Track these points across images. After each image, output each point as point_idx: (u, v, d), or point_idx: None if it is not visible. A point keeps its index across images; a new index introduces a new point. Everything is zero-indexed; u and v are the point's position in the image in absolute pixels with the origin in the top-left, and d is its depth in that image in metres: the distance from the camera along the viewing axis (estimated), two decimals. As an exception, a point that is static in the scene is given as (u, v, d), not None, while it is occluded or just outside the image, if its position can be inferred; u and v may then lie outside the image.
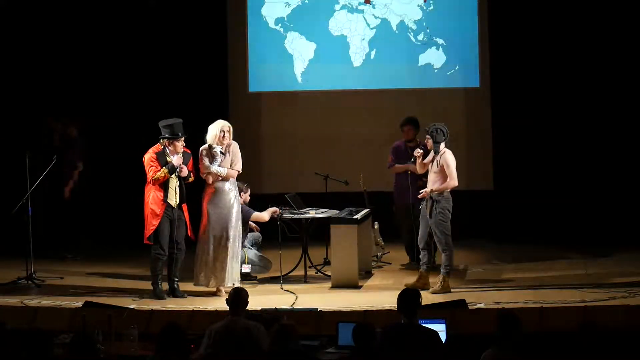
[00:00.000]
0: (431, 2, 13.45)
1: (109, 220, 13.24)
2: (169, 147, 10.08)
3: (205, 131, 10.23)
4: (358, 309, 9.20)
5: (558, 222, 12.87)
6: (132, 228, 11.06)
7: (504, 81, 13.16)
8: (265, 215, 10.98)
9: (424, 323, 7.31)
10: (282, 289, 10.44)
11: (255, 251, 10.99)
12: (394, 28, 13.53)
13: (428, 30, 13.47)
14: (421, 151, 10.37)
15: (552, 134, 13.04)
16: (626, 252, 11.91)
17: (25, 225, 11.01)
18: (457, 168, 10.23)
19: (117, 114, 13.31)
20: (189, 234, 10.25)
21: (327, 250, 11.32)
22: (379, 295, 9.96)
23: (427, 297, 9.19)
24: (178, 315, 9.06)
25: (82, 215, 12.73)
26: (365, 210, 11.24)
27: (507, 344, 6.50)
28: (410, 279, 10.49)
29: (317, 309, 9.09)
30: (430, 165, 10.25)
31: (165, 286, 10.15)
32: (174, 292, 10.13)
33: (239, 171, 10.27)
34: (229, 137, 10.20)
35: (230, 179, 10.23)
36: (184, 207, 10.17)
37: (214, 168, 10.14)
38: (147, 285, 10.24)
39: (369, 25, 13.56)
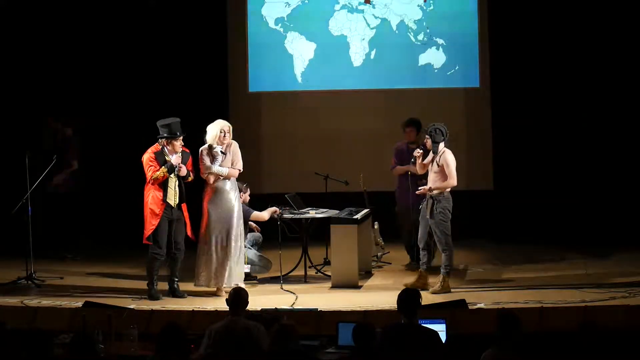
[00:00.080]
0: (431, 2, 13.45)
1: (108, 220, 13.24)
2: (168, 147, 10.07)
3: (205, 131, 10.23)
4: (358, 309, 9.20)
5: (558, 222, 12.87)
6: (132, 228, 11.06)
7: (504, 81, 13.16)
8: (265, 215, 10.98)
9: (424, 323, 7.31)
10: (282, 289, 10.44)
11: (255, 251, 10.99)
12: (394, 28, 13.53)
13: (428, 30, 13.47)
14: (421, 151, 10.37)
15: (552, 134, 13.04)
16: (626, 252, 11.91)
17: (25, 225, 11.01)
18: (457, 168, 10.23)
19: (117, 114, 13.31)
20: (189, 234, 10.25)
21: (327, 250, 11.32)
22: (379, 295, 9.96)
23: (427, 297, 9.20)
24: (178, 315, 9.06)
25: (82, 215, 12.74)
26: (365, 210, 11.25)
27: (507, 344, 6.50)
28: (410, 278, 10.50)
29: (317, 309, 9.09)
30: (430, 166, 10.26)
31: (161, 287, 10.15)
32: (174, 292, 10.13)
33: (240, 170, 10.28)
34: (229, 137, 10.20)
35: (231, 178, 10.23)
36: (184, 206, 10.16)
37: (215, 168, 10.14)
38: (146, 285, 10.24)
39: (369, 25, 13.56)
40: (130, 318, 8.56)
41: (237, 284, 9.95)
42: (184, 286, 10.29)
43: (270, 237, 11.26)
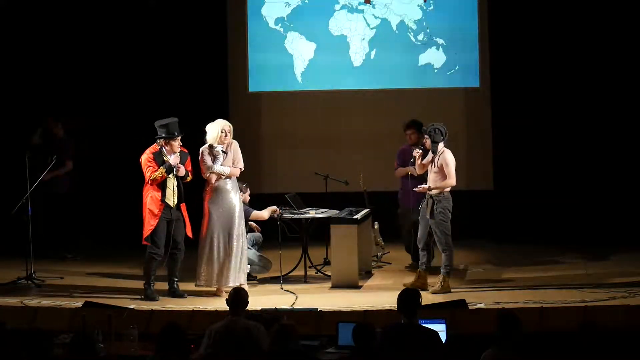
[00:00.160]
0: (431, 2, 13.45)
1: (108, 220, 13.24)
2: (166, 147, 10.07)
3: (205, 131, 10.22)
4: (358, 309, 9.20)
5: (558, 222, 12.86)
6: (131, 228, 11.06)
7: (504, 81, 13.16)
8: (264, 214, 10.98)
9: (424, 323, 7.32)
10: (282, 289, 10.44)
11: (255, 251, 10.99)
12: (394, 28, 13.52)
13: (428, 30, 13.46)
14: (420, 151, 10.38)
15: (552, 134, 13.04)
16: (626, 252, 11.90)
17: (25, 225, 11.01)
18: (457, 168, 10.24)
19: (117, 114, 13.31)
20: (188, 234, 10.25)
21: (327, 250, 11.31)
22: (379, 295, 9.96)
23: (427, 297, 9.20)
24: (178, 315, 9.06)
25: (81, 216, 12.73)
26: (365, 210, 11.25)
27: (507, 344, 6.50)
28: (410, 278, 10.50)
29: (317, 309, 9.09)
30: (429, 166, 10.26)
31: (161, 287, 10.14)
32: (174, 292, 10.13)
33: (241, 169, 10.29)
34: (229, 136, 10.21)
35: (232, 178, 10.23)
36: (183, 206, 10.16)
37: (217, 167, 10.14)
38: (147, 285, 10.26)
39: (369, 25, 13.56)
40: (130, 318, 8.57)
41: (240, 284, 9.99)
42: (184, 286, 10.29)
43: (270, 237, 11.25)
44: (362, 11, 13.56)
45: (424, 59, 13.49)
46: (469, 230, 12.62)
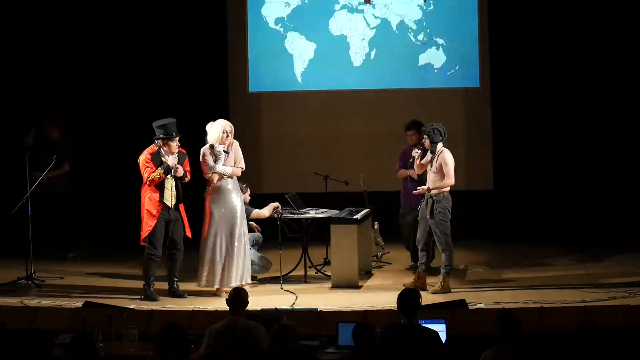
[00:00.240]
0: (431, 2, 13.45)
1: (108, 220, 13.23)
2: (164, 148, 10.07)
3: (205, 131, 10.22)
4: (358, 309, 9.21)
5: (558, 222, 12.86)
6: (132, 228, 11.05)
7: (504, 81, 13.16)
8: (265, 212, 10.99)
9: (424, 323, 7.32)
10: (282, 289, 10.44)
11: (255, 251, 10.98)
12: (394, 28, 13.52)
13: (428, 30, 13.46)
14: (419, 151, 10.38)
15: (552, 134, 13.03)
16: (626, 252, 11.90)
17: (25, 225, 11.01)
18: (456, 168, 10.24)
19: (118, 115, 13.30)
20: (187, 234, 10.25)
21: (327, 250, 11.32)
22: (379, 295, 9.96)
23: (427, 297, 9.20)
24: (178, 315, 9.06)
25: (81, 216, 12.73)
26: (365, 210, 11.25)
27: (507, 344, 6.50)
28: (410, 279, 10.50)
29: (317, 309, 9.09)
30: (429, 166, 10.26)
31: (161, 287, 10.14)
32: (174, 292, 10.13)
33: (242, 168, 10.30)
34: (231, 136, 10.21)
35: (233, 177, 10.23)
36: (181, 207, 10.16)
37: (219, 167, 10.14)
38: (147, 285, 10.26)
39: (369, 25, 13.56)
40: (130, 318, 8.57)
41: (245, 283, 10.00)
42: (184, 286, 10.30)
43: (270, 237, 11.26)
44: (362, 11, 13.56)
45: (424, 59, 13.49)
46: (469, 230, 12.62)
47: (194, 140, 10.49)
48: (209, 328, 7.50)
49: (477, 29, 13.34)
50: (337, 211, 11.02)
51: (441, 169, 10.12)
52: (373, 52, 13.56)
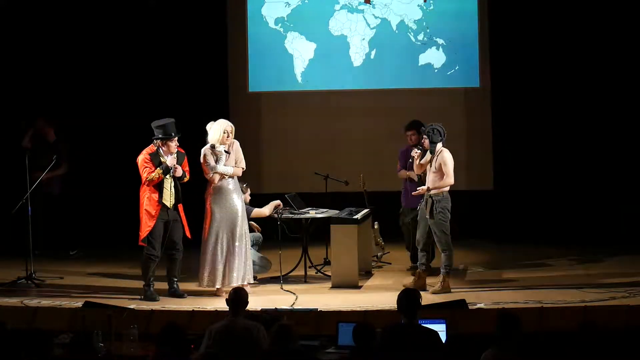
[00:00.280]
0: (431, 2, 13.45)
1: (108, 220, 13.22)
2: (163, 148, 10.06)
3: (206, 131, 10.21)
4: (358, 309, 9.20)
5: (558, 222, 12.86)
6: (132, 228, 11.04)
7: (504, 81, 13.15)
8: (265, 211, 10.99)
9: (424, 323, 7.32)
10: (282, 289, 10.44)
11: (255, 251, 10.98)
12: (394, 28, 13.52)
13: (428, 30, 13.46)
14: (419, 152, 10.38)
15: (553, 134, 13.03)
16: (626, 252, 11.90)
17: (25, 225, 11.01)
18: (456, 168, 10.24)
19: (118, 115, 13.29)
20: (187, 234, 10.24)
21: (327, 250, 11.32)
22: (379, 295, 9.96)
23: (427, 297, 9.19)
24: (178, 315, 9.06)
25: (76, 217, 12.74)
26: (365, 210, 11.24)
27: (507, 344, 6.50)
28: (410, 279, 10.50)
29: (317, 309, 9.09)
30: (428, 166, 10.26)
31: (161, 287, 10.14)
32: (174, 292, 10.12)
33: (243, 168, 10.30)
34: (232, 136, 10.21)
35: (234, 177, 10.23)
36: (180, 207, 10.15)
37: (221, 168, 10.13)
38: (147, 285, 10.25)
39: (369, 25, 13.56)
40: (130, 318, 8.56)
41: (245, 283, 10.00)
42: (184, 286, 10.30)
43: (270, 237, 11.25)
44: (362, 11, 13.56)
45: (424, 59, 13.49)
46: (469, 230, 12.63)
47: (194, 140, 10.48)
48: (209, 328, 7.50)
49: (477, 29, 13.35)
50: (337, 211, 11.01)
51: (441, 168, 10.12)
52: (373, 52, 13.56)
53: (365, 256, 11.18)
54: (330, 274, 10.72)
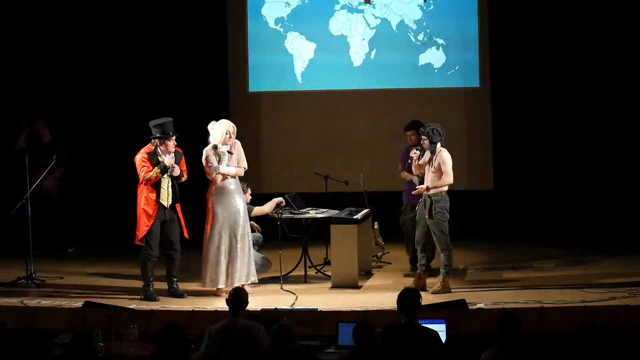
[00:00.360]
0: (431, 2, 13.45)
1: (108, 220, 13.22)
2: (161, 147, 10.06)
3: (207, 131, 10.21)
4: (358, 309, 9.21)
5: (558, 222, 12.86)
6: (131, 228, 11.04)
7: (504, 81, 13.15)
8: (266, 208, 11.00)
9: (424, 323, 7.31)
10: (282, 289, 10.44)
11: (256, 251, 10.98)
12: (394, 28, 13.52)
13: (428, 30, 13.46)
14: (417, 152, 10.38)
15: (553, 134, 13.03)
16: (626, 252, 11.90)
17: (25, 225, 11.01)
18: (456, 168, 10.26)
19: (118, 115, 13.28)
20: (184, 234, 10.24)
21: (327, 250, 11.32)
22: (379, 295, 9.97)
23: (427, 297, 9.19)
24: (178, 315, 9.06)
25: (74, 217, 12.74)
26: (365, 210, 11.24)
27: (507, 344, 6.50)
28: (409, 279, 10.50)
29: (317, 309, 9.09)
30: (427, 166, 10.26)
31: (161, 287, 10.14)
32: (173, 292, 10.12)
33: (245, 168, 10.30)
34: (233, 137, 10.21)
35: (235, 177, 10.23)
36: (178, 207, 10.15)
37: (223, 169, 10.13)
38: (147, 285, 10.25)
39: (369, 25, 13.56)
40: (130, 318, 8.56)
41: (249, 283, 10.00)
42: (184, 286, 10.30)
43: (270, 237, 11.26)
44: (362, 11, 13.56)
45: (424, 59, 13.49)
46: (469, 230, 12.63)
47: (194, 140, 10.47)
48: (209, 328, 7.50)
49: (477, 29, 13.35)
50: (337, 211, 11.02)
51: (440, 168, 10.13)
52: (373, 52, 13.55)
53: (365, 256, 11.18)
54: (330, 274, 10.72)
